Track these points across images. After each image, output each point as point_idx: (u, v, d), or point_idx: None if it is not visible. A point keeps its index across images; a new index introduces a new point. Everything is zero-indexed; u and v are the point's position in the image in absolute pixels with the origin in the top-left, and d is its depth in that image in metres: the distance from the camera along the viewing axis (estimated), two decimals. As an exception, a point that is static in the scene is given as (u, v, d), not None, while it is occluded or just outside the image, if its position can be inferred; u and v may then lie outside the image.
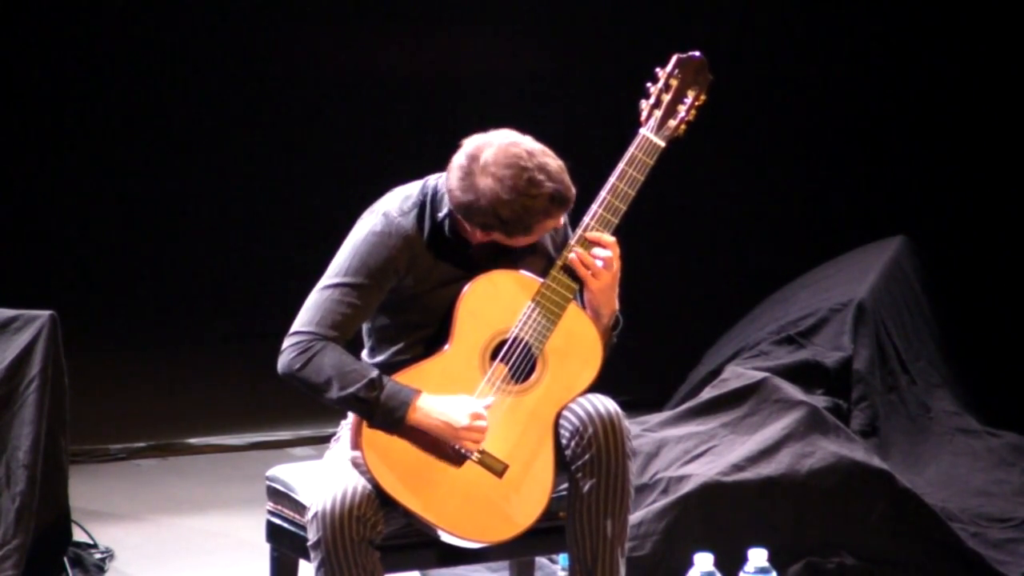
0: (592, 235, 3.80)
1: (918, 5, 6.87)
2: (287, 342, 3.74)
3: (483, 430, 3.71)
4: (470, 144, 3.75)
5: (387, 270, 3.76)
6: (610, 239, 3.81)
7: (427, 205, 3.82)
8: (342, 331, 3.73)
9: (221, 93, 6.48)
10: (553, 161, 3.74)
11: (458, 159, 3.74)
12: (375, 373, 3.72)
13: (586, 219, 3.82)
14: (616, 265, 3.82)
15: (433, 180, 3.85)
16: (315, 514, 3.64)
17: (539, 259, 3.89)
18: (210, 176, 6.51)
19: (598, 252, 3.80)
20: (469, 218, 3.75)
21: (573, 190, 3.75)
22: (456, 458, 3.72)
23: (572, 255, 3.80)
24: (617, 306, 3.87)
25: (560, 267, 3.80)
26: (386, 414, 3.69)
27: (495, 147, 3.73)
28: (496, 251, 3.83)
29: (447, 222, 3.81)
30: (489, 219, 3.72)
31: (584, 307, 3.87)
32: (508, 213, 3.70)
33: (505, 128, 3.79)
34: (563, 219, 3.89)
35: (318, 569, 3.65)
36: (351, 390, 3.68)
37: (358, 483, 3.66)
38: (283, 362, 3.74)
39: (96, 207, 6.43)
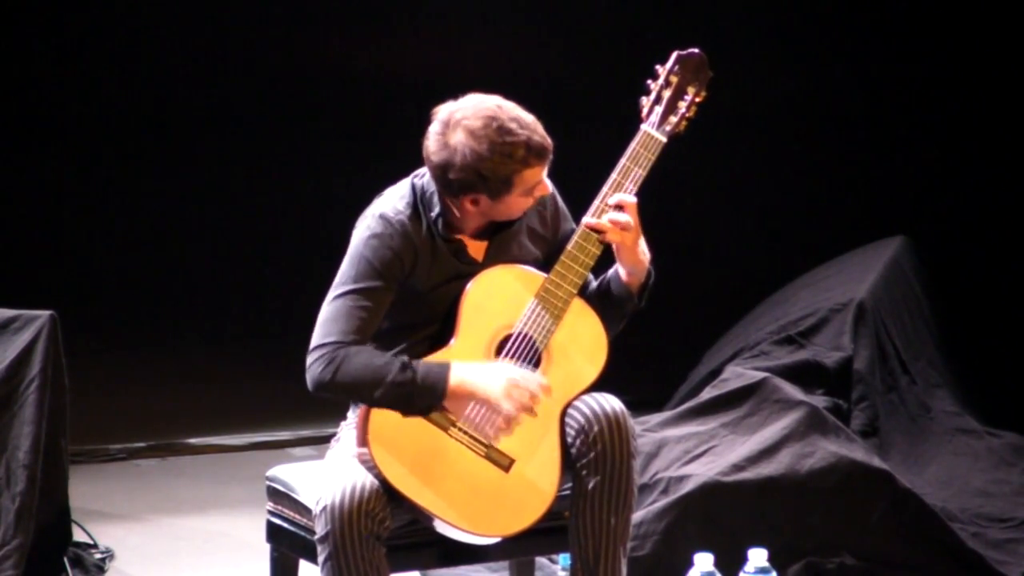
0: (612, 199, 3.79)
1: (918, 5, 6.87)
2: (311, 357, 3.73)
3: (528, 390, 3.70)
4: (443, 111, 3.76)
5: (393, 268, 3.76)
6: (630, 199, 3.79)
7: (419, 204, 3.82)
8: (362, 335, 3.73)
9: (221, 94, 6.47)
10: (526, 114, 3.74)
11: (432, 127, 3.75)
12: (404, 358, 3.73)
13: (589, 212, 3.82)
14: (634, 220, 3.78)
15: (419, 179, 3.86)
16: (324, 508, 3.63)
17: (535, 248, 3.89)
18: (210, 176, 6.50)
19: (615, 216, 3.79)
20: (448, 184, 3.73)
21: (549, 140, 3.74)
22: (464, 448, 3.71)
23: (591, 220, 3.78)
24: (648, 261, 3.86)
25: (562, 262, 3.80)
26: (426, 390, 3.68)
27: (466, 106, 3.74)
28: (491, 245, 3.84)
29: (440, 220, 3.81)
30: (468, 176, 3.70)
31: (593, 296, 3.87)
32: (485, 166, 3.69)
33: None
34: (559, 203, 3.90)
35: (325, 563, 3.64)
36: (387, 380, 3.67)
37: (366, 478, 3.65)
38: (313, 376, 3.73)
39: (96, 207, 6.42)
